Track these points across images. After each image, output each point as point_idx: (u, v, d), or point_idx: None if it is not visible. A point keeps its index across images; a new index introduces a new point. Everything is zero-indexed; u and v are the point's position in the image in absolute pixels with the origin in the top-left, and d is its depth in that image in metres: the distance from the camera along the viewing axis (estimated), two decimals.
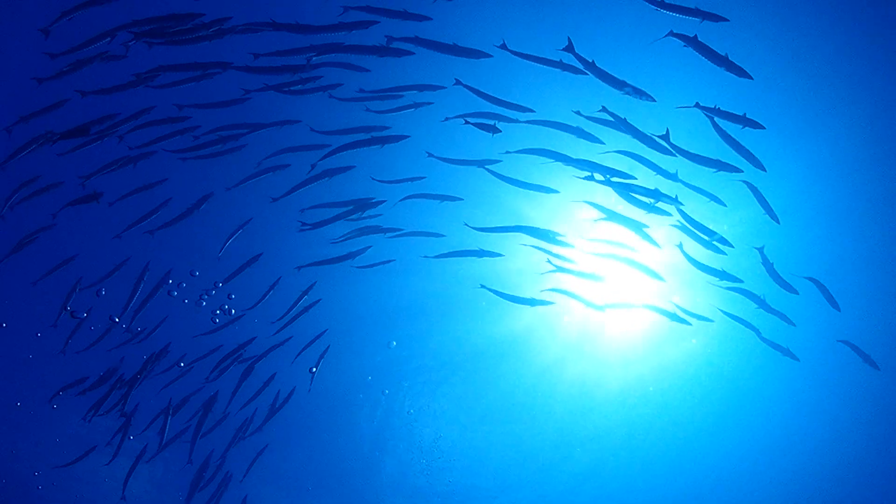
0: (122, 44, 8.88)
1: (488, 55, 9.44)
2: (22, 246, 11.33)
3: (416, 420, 22.35)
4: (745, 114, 9.44)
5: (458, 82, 10.24)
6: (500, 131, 10.02)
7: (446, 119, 10.66)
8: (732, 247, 11.15)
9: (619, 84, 9.14)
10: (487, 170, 11.30)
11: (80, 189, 10.65)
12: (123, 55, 8.97)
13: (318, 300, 13.50)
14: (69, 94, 9.89)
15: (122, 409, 12.45)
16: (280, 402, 14.96)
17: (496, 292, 13.94)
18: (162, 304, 12.74)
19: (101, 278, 11.77)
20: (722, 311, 13.30)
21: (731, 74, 8.93)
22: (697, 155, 10.11)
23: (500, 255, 12.77)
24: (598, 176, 10.54)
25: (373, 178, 11.87)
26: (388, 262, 13.45)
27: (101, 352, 12.85)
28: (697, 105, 9.49)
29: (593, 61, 9.13)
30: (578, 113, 10.11)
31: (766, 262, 11.62)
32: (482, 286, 13.81)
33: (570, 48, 9.19)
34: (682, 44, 8.78)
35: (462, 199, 12.22)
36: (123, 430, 12.72)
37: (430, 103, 10.29)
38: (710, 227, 11.11)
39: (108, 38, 8.91)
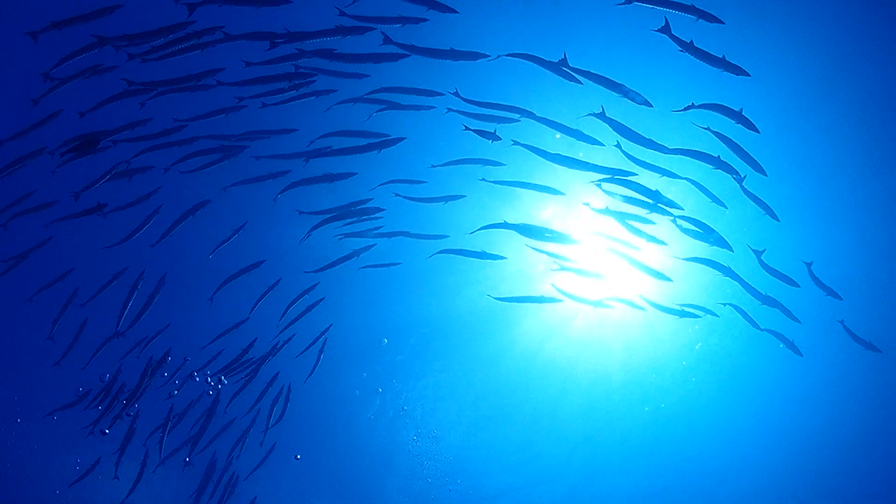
0: (114, 45, 8.75)
1: (485, 55, 9.38)
2: (17, 262, 11.28)
3: (415, 419, 22.40)
4: (741, 109, 9.45)
5: (456, 93, 10.26)
6: (500, 139, 10.00)
7: (448, 111, 10.60)
8: (732, 251, 11.21)
9: (616, 87, 9.12)
10: (486, 181, 11.30)
11: (74, 202, 10.52)
12: (116, 65, 8.87)
13: (322, 298, 13.53)
14: (61, 105, 9.78)
15: (120, 415, 12.46)
16: (283, 401, 15.00)
17: (505, 299, 14.00)
18: (162, 310, 12.73)
19: (99, 289, 11.69)
20: (728, 304, 13.35)
21: (728, 73, 8.96)
22: (696, 151, 10.16)
23: (502, 257, 12.77)
24: (594, 175, 10.56)
25: (370, 190, 11.85)
26: (395, 264, 13.42)
27: (103, 362, 12.85)
28: (693, 106, 9.50)
29: (589, 71, 9.11)
30: (580, 120, 10.12)
31: (764, 265, 11.71)
32: (489, 295, 13.89)
33: (563, 62, 9.15)
34: (679, 49, 8.75)
35: (465, 196, 12.19)
36: (122, 448, 12.74)
37: (431, 107, 10.24)
38: (709, 223, 11.15)
39: (97, 49, 8.81)
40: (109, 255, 11.64)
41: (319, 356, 14.76)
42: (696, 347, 19.08)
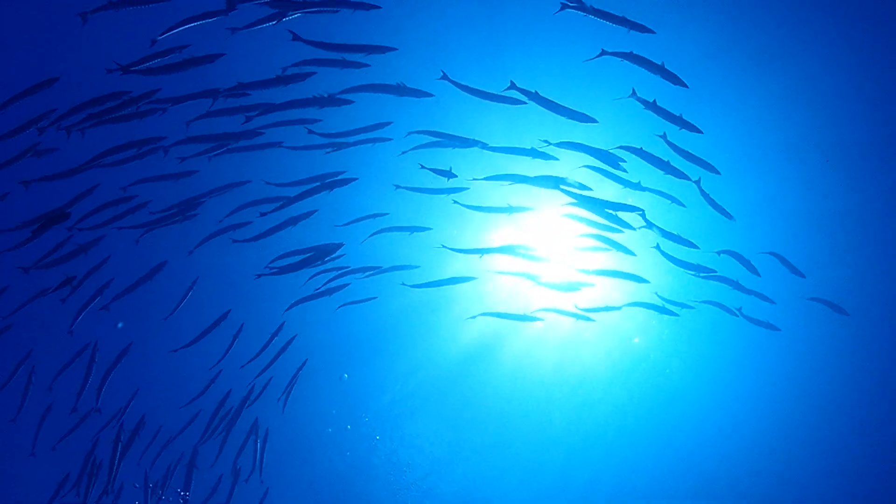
0: (57, 127, 8.55)
1: (429, 94, 9.45)
2: None
3: (394, 450, 22.22)
4: (681, 115, 9.73)
5: (410, 134, 10.33)
6: (456, 176, 10.09)
7: (403, 153, 10.63)
8: (698, 248, 11.48)
9: (560, 110, 9.30)
10: (457, 202, 11.36)
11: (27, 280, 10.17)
12: (56, 148, 8.65)
13: (295, 336, 13.37)
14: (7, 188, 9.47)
15: (105, 492, 12.07)
16: (261, 446, 14.72)
17: (492, 314, 14.12)
18: (128, 379, 12.37)
19: (58, 371, 11.34)
20: (703, 301, 13.66)
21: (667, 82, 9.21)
22: (649, 154, 10.39)
23: (473, 278, 12.88)
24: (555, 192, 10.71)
25: (336, 225, 11.77)
26: (371, 299, 13.33)
27: (78, 440, 12.42)
28: (633, 95, 9.66)
29: (536, 91, 9.24)
30: (547, 142, 10.20)
31: (727, 252, 12.10)
32: (472, 317, 13.91)
33: (512, 87, 9.30)
34: (619, 59, 8.94)
35: (431, 229, 12.22)
36: None
37: (389, 139, 10.23)
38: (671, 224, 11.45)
39: (36, 127, 8.60)
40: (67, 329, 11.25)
41: (289, 392, 14.50)
42: (663, 336, 19.52)
